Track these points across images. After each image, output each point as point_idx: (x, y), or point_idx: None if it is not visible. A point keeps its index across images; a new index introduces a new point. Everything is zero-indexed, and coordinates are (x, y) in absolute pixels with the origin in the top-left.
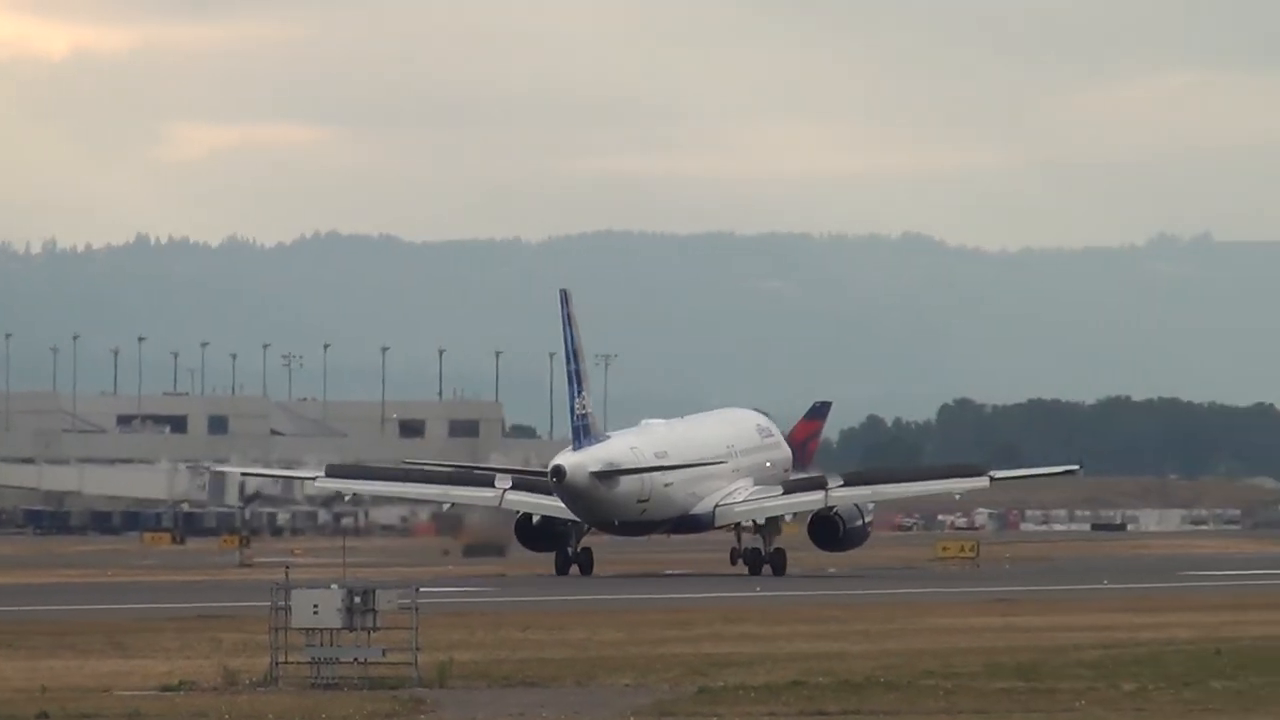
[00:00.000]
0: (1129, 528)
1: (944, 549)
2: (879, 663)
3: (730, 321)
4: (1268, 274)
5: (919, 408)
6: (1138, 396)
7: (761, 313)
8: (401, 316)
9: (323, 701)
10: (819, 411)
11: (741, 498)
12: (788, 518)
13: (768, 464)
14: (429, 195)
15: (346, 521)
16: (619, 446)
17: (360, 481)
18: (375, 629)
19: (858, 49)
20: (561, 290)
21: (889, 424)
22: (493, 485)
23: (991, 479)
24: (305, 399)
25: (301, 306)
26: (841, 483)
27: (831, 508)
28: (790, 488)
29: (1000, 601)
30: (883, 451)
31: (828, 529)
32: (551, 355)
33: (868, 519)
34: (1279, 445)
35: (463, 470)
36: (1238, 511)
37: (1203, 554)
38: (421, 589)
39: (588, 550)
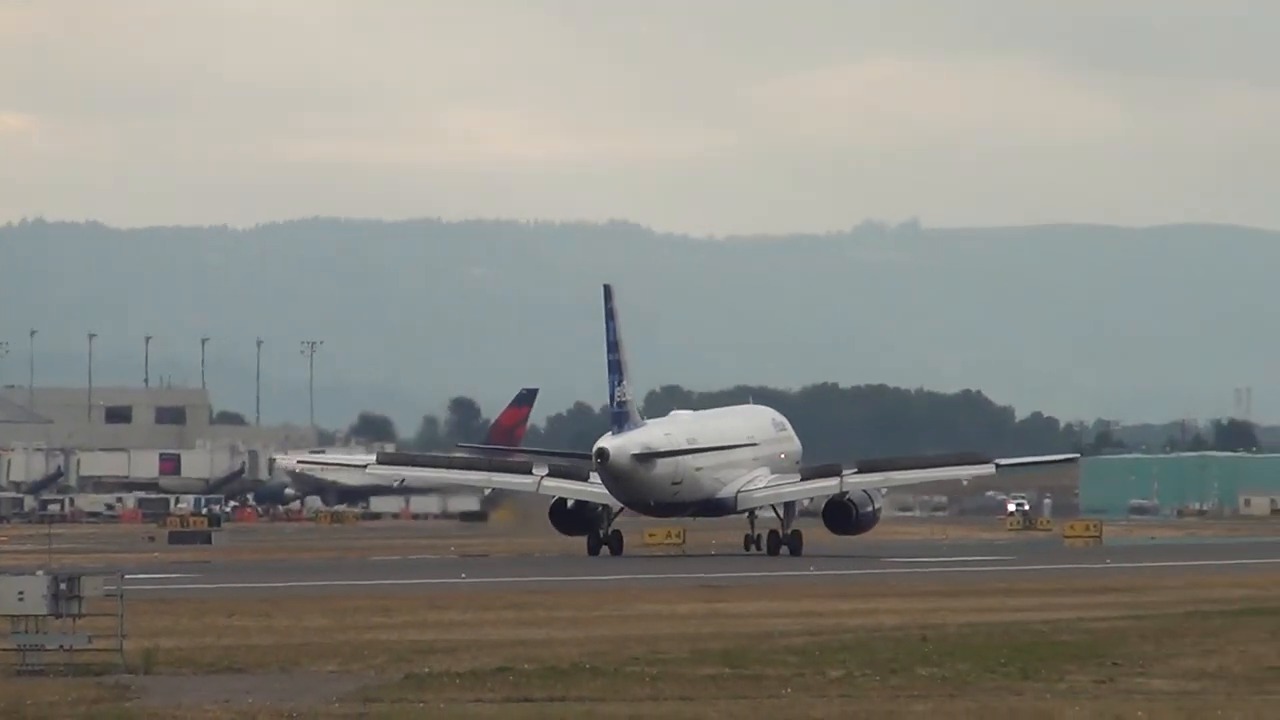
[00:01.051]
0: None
1: (650, 535)
2: (586, 649)
3: (438, 307)
4: (973, 261)
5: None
6: (845, 383)
7: (469, 299)
8: (108, 304)
9: (29, 688)
10: (525, 398)
11: (762, 484)
12: (805, 502)
13: (782, 455)
14: (135, 182)
15: (53, 508)
16: (656, 433)
17: (408, 468)
18: (81, 616)
19: (568, 36)
20: (605, 285)
21: (596, 411)
22: (530, 473)
23: (997, 466)
24: (11, 386)
25: (6, 294)
26: (855, 470)
27: (845, 493)
28: (807, 474)
29: (707, 588)
30: (589, 438)
31: (841, 514)
32: (260, 343)
33: (878, 505)
34: (986, 431)
35: (501, 457)
36: (945, 498)
37: (910, 540)
38: (127, 575)
39: (618, 533)
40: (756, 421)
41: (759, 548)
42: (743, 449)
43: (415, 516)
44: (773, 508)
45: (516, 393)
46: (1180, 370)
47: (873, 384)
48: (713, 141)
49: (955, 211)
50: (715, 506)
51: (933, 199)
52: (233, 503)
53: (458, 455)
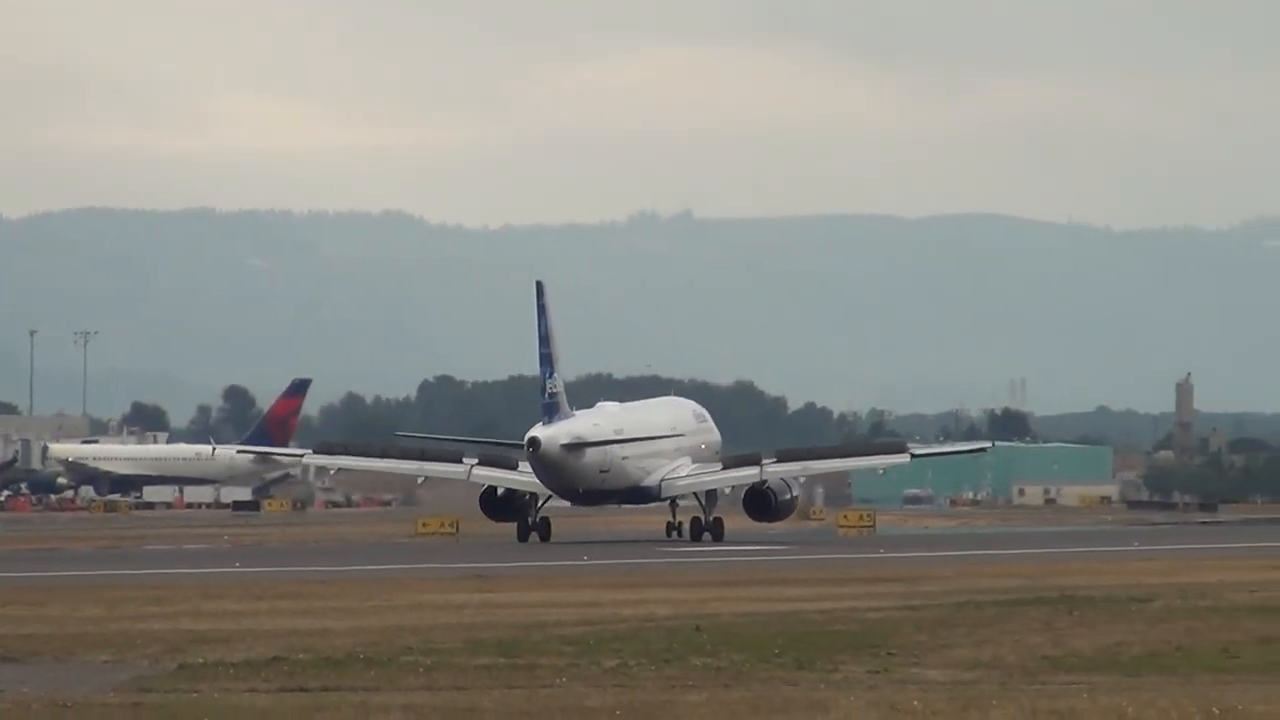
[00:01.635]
0: None
1: (424, 524)
2: (360, 639)
3: (212, 298)
4: (747, 252)
5: (400, 384)
6: (619, 374)
7: (244, 289)
8: None
9: None
10: (298, 388)
11: (685, 472)
12: (726, 490)
13: (703, 446)
14: None
15: None
16: (585, 423)
17: (344, 457)
18: None
19: (344, 27)
20: (537, 282)
21: (369, 401)
22: (461, 461)
23: (912, 455)
24: None
25: None
26: (774, 459)
27: (764, 481)
28: (728, 463)
29: (480, 577)
30: (363, 428)
31: (761, 501)
32: (33, 333)
33: (795, 493)
34: (759, 422)
35: (436, 446)
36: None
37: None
38: None
39: (546, 520)
40: (679, 414)
41: (680, 534)
42: (666, 439)
43: (189, 506)
44: (695, 495)
45: (290, 383)
46: (955, 360)
47: (645, 375)
48: (488, 132)
49: (729, 201)
50: (641, 494)
51: (707, 189)
52: (5, 492)
53: (391, 444)
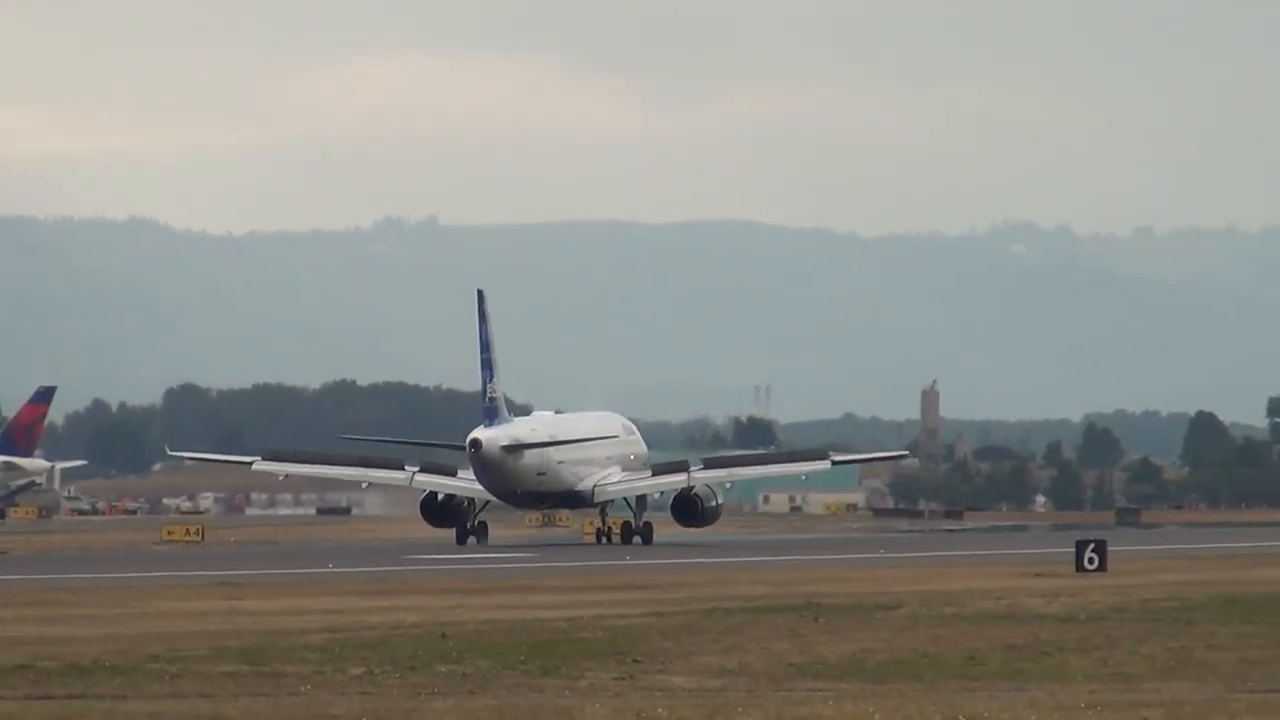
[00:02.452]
0: (354, 511)
1: (169, 533)
2: (106, 646)
3: None
4: (493, 259)
5: (146, 391)
6: (364, 381)
7: None
8: None
9: None
10: (43, 396)
11: (616, 479)
12: (656, 495)
13: (632, 456)
14: None
15: None
16: (523, 427)
17: (292, 465)
18: None
19: (85, 31)
20: (478, 290)
21: (114, 408)
22: (403, 468)
23: (833, 462)
24: None
25: None
26: (701, 466)
27: (692, 488)
28: (658, 470)
29: (226, 585)
30: (108, 435)
31: (688, 507)
32: None
33: (720, 500)
34: None
35: (378, 454)
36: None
37: (428, 538)
38: None
39: (484, 524)
40: (609, 425)
41: (609, 539)
42: (599, 448)
43: None
44: (626, 501)
45: (35, 390)
46: (701, 367)
47: (392, 381)
48: (233, 138)
49: (475, 209)
50: (574, 499)
51: (452, 196)
52: None
53: (336, 453)
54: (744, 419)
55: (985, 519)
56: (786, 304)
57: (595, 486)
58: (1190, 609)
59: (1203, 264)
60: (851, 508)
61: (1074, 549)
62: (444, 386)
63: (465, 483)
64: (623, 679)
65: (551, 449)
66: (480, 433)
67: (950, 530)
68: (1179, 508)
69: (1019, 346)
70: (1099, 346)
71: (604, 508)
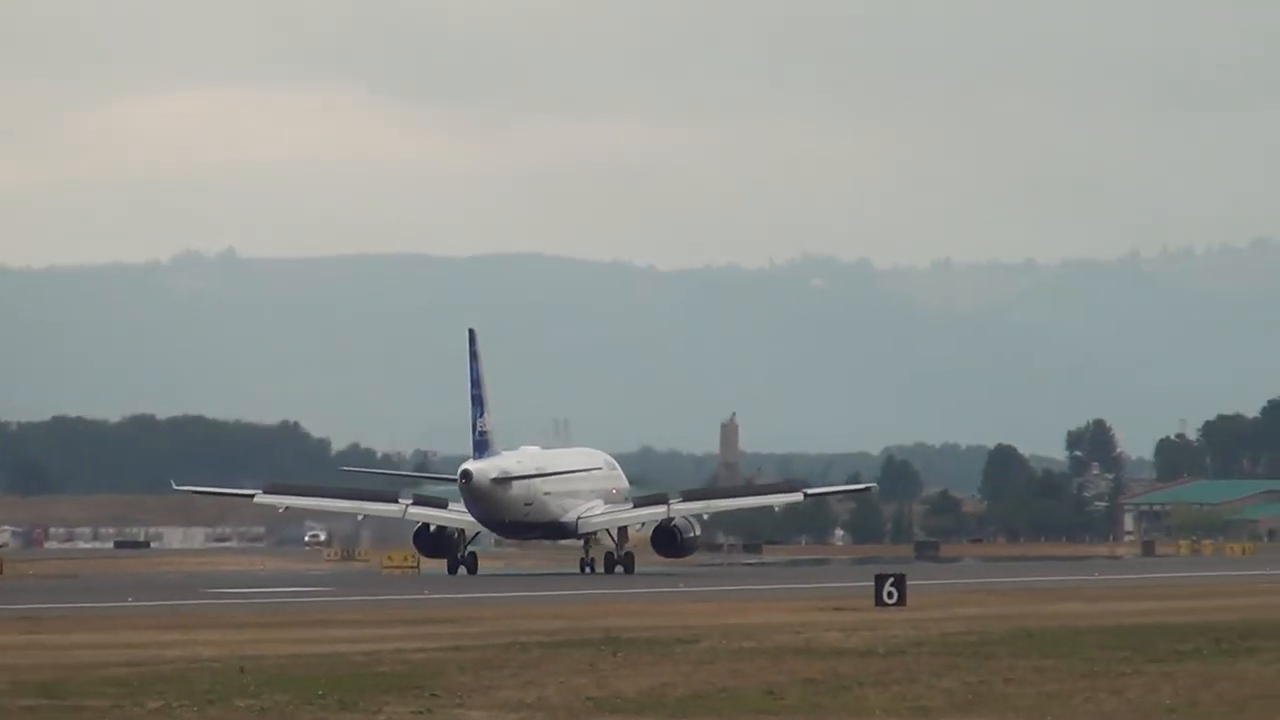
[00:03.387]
0: (153, 545)
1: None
2: None
3: None
4: (291, 291)
5: None
6: (163, 414)
7: None
8: None
9: None
10: None
11: (599, 511)
12: (637, 527)
13: (614, 490)
14: None
15: None
16: (511, 460)
17: (292, 497)
18: None
19: None
20: (469, 329)
21: None
22: (397, 501)
23: (805, 494)
24: None
25: None
26: (680, 499)
27: (671, 519)
28: (639, 503)
29: (24, 619)
30: None
31: (667, 538)
32: None
33: (698, 531)
34: (304, 462)
35: (372, 488)
36: (262, 529)
37: (226, 571)
38: None
39: (473, 554)
40: (592, 459)
41: (592, 569)
42: (583, 481)
43: None
44: (608, 532)
45: None
46: (502, 400)
47: (190, 414)
48: (29, 172)
49: (274, 241)
50: (559, 529)
51: (251, 228)
52: None
53: (334, 486)
54: None
55: (785, 552)
56: (585, 336)
57: (579, 518)
58: (989, 643)
59: (1001, 297)
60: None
61: (873, 583)
62: (242, 420)
63: (455, 514)
64: (421, 713)
65: (538, 480)
66: (471, 464)
67: (749, 564)
68: (978, 541)
69: (819, 379)
70: (898, 379)
71: (587, 540)
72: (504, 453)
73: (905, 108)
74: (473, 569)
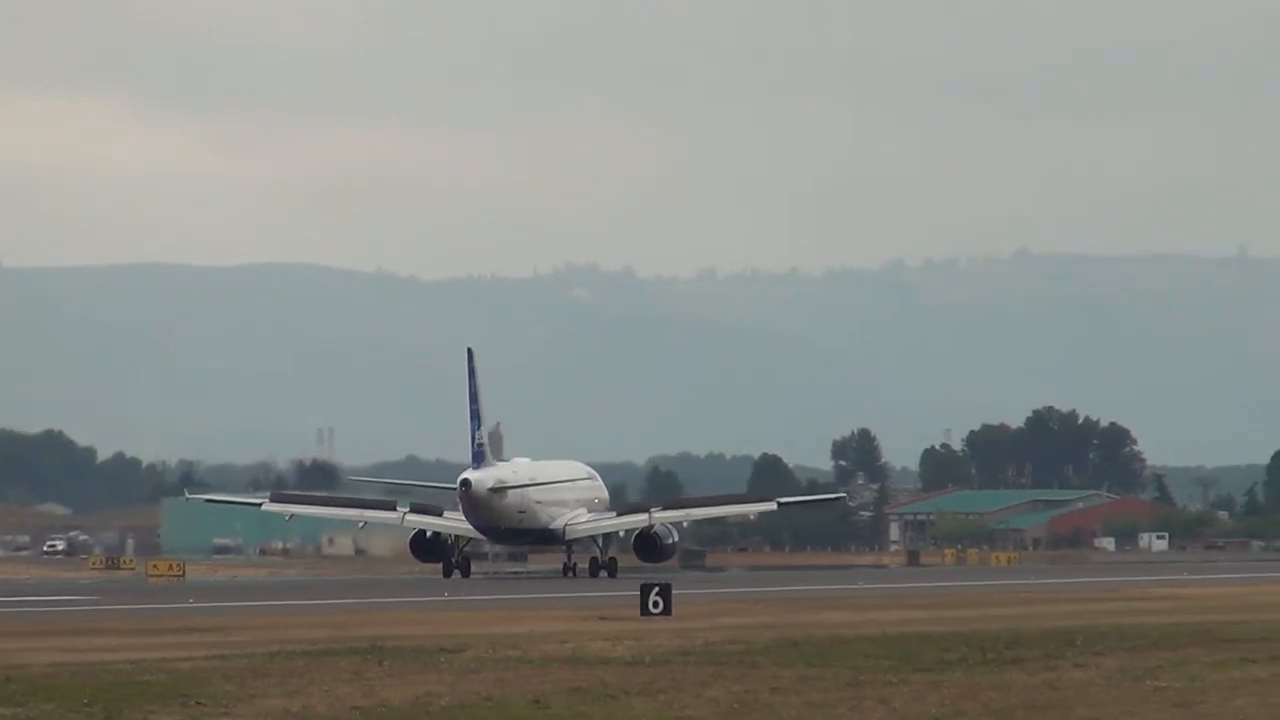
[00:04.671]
0: None
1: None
2: None
3: None
4: (56, 300)
5: None
6: None
7: None
8: None
9: None
10: None
11: (584, 518)
12: (621, 533)
13: (596, 499)
14: None
15: None
16: (506, 470)
17: (297, 505)
18: None
19: None
20: (468, 349)
21: None
22: (395, 509)
23: (778, 504)
24: None
25: None
26: (661, 507)
27: (652, 526)
28: (621, 511)
29: None
30: None
31: (648, 544)
32: None
33: (676, 537)
34: (68, 471)
35: (373, 496)
36: (27, 538)
37: None
38: None
39: (467, 559)
40: (576, 471)
41: (575, 574)
42: (569, 491)
43: None
44: (593, 539)
45: None
46: (265, 409)
47: None
48: None
49: (43, 251)
50: (548, 536)
51: (19, 239)
52: None
53: (336, 495)
54: (308, 462)
55: (550, 561)
56: (350, 346)
57: (566, 525)
58: (754, 652)
59: (766, 306)
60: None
61: (639, 592)
62: (5, 428)
63: (451, 522)
64: None
65: (530, 490)
66: (471, 474)
67: (516, 573)
68: (743, 550)
69: (583, 388)
70: (663, 389)
71: (569, 546)
72: (498, 464)
73: (667, 117)
74: (466, 573)
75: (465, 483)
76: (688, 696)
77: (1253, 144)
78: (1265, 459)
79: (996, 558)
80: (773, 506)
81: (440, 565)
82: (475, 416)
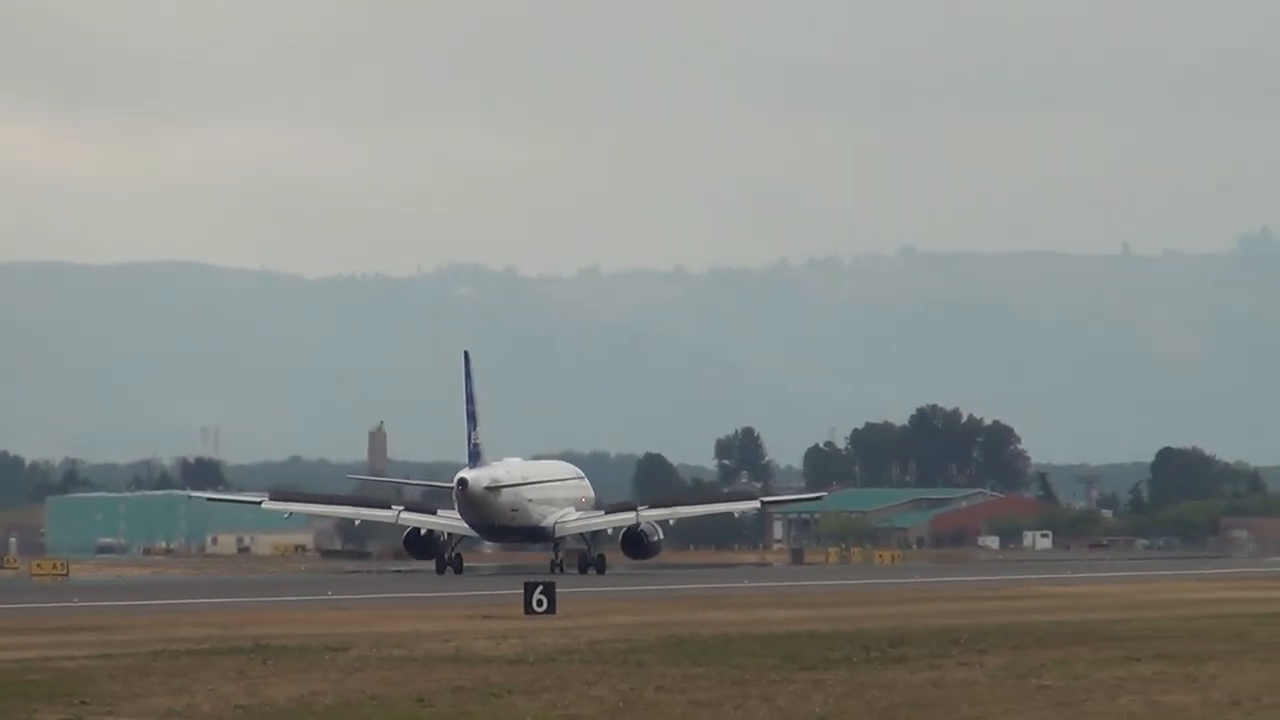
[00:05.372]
0: None
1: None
2: None
3: None
4: None
5: None
6: None
7: None
8: None
9: None
10: None
11: (573, 517)
12: (609, 531)
13: (583, 498)
14: None
15: None
16: (499, 469)
17: (295, 503)
18: None
19: None
20: (465, 352)
21: None
22: (390, 507)
23: (762, 503)
24: None
25: None
26: (648, 506)
27: (639, 524)
28: (609, 509)
29: None
30: None
31: (635, 542)
32: None
33: (662, 535)
34: None
35: (368, 495)
36: None
37: None
38: None
39: (459, 556)
40: (564, 471)
41: (563, 570)
42: (559, 489)
43: None
44: (582, 536)
45: None
46: (148, 408)
47: None
48: None
49: None
50: (538, 534)
51: None
52: None
53: (334, 493)
54: (192, 460)
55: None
56: (233, 345)
57: (555, 523)
58: (639, 651)
59: (650, 305)
60: (300, 549)
61: (523, 591)
62: None
63: (444, 520)
64: None
65: (523, 488)
66: (467, 473)
67: (399, 571)
68: None
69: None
70: (546, 387)
71: (558, 543)
72: (492, 463)
73: (550, 114)
74: (458, 569)
75: (462, 481)
76: (572, 695)
77: (1134, 142)
78: (1149, 457)
79: (880, 556)
80: (757, 506)
81: (433, 562)
82: (471, 417)
